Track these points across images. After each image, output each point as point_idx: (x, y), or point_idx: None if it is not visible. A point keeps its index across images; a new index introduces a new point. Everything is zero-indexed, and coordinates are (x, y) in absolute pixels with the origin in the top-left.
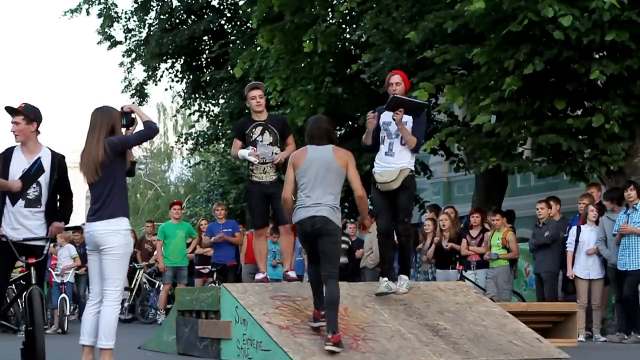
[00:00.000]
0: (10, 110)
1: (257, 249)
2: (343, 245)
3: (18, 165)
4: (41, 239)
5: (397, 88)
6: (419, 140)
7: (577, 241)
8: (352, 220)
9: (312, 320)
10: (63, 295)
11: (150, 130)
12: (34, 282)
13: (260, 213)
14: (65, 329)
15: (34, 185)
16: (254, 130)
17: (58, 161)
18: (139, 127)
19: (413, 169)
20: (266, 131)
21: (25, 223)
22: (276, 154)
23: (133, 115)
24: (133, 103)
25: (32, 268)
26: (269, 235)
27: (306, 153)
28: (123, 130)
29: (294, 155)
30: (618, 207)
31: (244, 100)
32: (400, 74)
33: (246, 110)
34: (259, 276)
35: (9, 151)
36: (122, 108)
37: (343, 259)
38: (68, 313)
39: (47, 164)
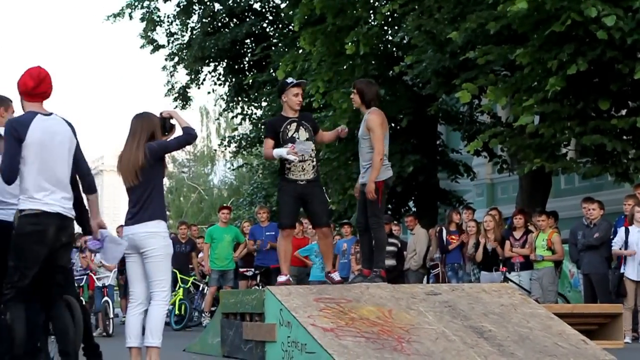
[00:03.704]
0: None
1: (282, 250)
2: (391, 248)
3: None
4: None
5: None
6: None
7: (625, 242)
8: (395, 222)
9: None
10: (106, 298)
11: (190, 136)
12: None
13: (290, 213)
14: (111, 332)
15: None
16: (288, 127)
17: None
18: (178, 132)
19: None
20: (301, 127)
21: None
22: (313, 150)
23: (172, 121)
24: (175, 107)
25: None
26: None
27: None
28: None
29: (383, 116)
30: None
31: (279, 96)
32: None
33: None
34: (281, 278)
35: None
36: (161, 114)
37: (391, 262)
38: (112, 316)
39: None
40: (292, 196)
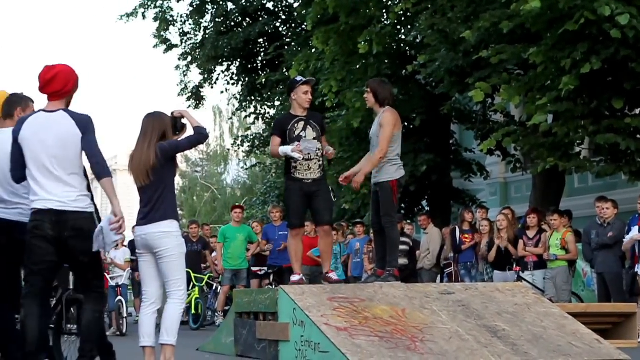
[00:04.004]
0: None
1: (293, 250)
2: (403, 247)
3: None
4: None
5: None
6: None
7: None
8: (408, 221)
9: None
10: (119, 297)
11: (201, 136)
12: (71, 286)
13: (299, 212)
14: (124, 331)
15: None
16: (296, 125)
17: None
18: (189, 132)
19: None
20: (308, 126)
21: None
22: (319, 149)
23: (184, 121)
24: (188, 107)
25: (72, 274)
26: (335, 235)
27: None
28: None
29: (397, 116)
30: None
31: (289, 94)
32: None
33: None
34: (294, 278)
35: None
36: (172, 113)
37: (403, 261)
38: (125, 315)
39: None
40: (299, 195)
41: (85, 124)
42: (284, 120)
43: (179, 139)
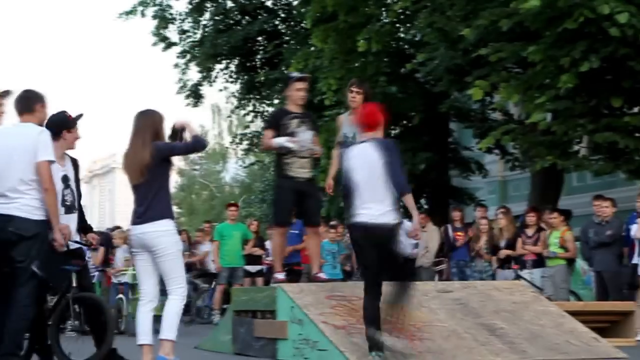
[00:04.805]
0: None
1: (279, 248)
2: None
3: (56, 173)
4: (84, 244)
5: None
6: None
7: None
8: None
9: None
10: (120, 295)
11: (199, 144)
12: (74, 284)
13: (288, 210)
14: (122, 328)
15: (68, 190)
16: (290, 121)
17: (75, 163)
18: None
19: None
20: (303, 124)
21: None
22: (311, 148)
23: (184, 134)
24: (187, 105)
25: (74, 273)
26: (332, 234)
27: None
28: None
29: None
30: None
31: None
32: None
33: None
34: (279, 276)
35: None
36: (174, 125)
37: None
38: (125, 313)
39: (70, 167)
40: (290, 194)
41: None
42: (278, 115)
43: (176, 143)
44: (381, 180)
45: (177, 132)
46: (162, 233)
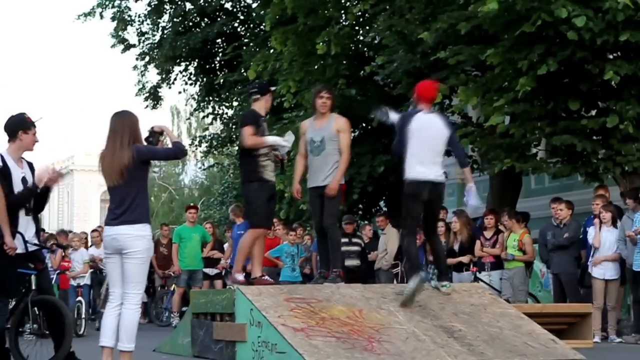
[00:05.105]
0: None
1: (257, 250)
2: (355, 248)
3: (15, 175)
4: (43, 246)
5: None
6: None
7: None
8: (365, 222)
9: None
10: (79, 298)
11: (179, 151)
12: (34, 287)
13: (269, 214)
14: (81, 331)
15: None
16: (264, 124)
17: (32, 167)
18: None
19: None
20: (267, 130)
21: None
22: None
23: (162, 138)
24: (146, 107)
25: (33, 276)
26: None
27: None
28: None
29: None
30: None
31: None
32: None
33: None
34: (239, 276)
35: (3, 161)
36: (152, 128)
37: (355, 262)
38: (84, 316)
39: (27, 170)
40: (267, 198)
41: None
42: (257, 115)
43: (157, 147)
44: (442, 147)
45: (156, 135)
46: (138, 237)
